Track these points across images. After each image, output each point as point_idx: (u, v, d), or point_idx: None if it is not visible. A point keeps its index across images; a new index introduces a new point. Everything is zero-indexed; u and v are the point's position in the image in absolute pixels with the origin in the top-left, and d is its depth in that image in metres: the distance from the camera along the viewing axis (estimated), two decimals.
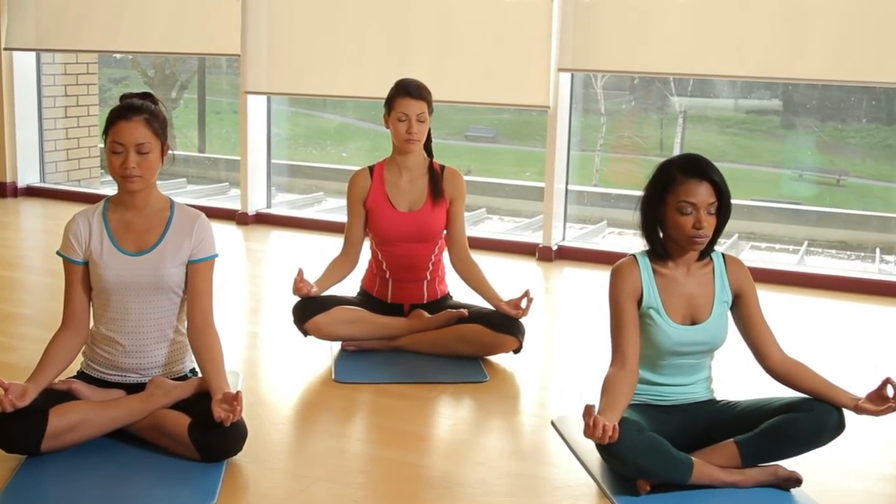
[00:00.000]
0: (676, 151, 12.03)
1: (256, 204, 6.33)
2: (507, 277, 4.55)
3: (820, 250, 7.58)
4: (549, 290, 4.96)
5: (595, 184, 11.55)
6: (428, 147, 3.71)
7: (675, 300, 2.65)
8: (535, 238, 6.17)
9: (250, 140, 6.21)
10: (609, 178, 11.03)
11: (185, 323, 2.82)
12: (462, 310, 3.61)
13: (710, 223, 2.57)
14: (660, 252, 2.66)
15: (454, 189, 3.69)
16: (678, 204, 2.56)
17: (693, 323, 2.67)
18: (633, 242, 8.16)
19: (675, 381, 2.71)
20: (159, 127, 2.70)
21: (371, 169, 3.71)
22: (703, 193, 2.55)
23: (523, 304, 3.57)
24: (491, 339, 3.54)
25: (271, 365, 3.63)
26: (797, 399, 2.60)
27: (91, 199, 6.82)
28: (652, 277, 2.66)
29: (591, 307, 4.54)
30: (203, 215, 2.82)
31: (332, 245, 5.68)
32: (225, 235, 5.77)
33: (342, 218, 6.61)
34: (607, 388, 2.54)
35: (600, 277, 5.29)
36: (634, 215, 2.70)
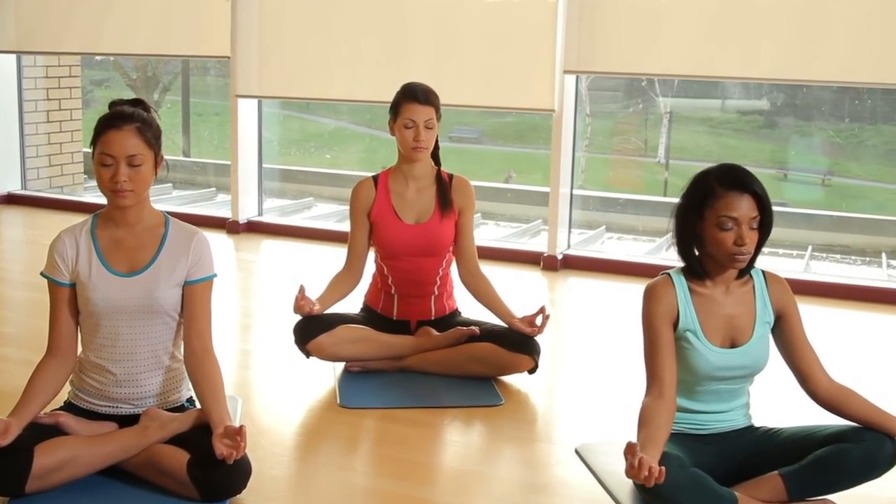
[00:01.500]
0: (661, 152, 11.94)
1: (247, 212, 6.10)
2: (512, 289, 4.33)
3: (824, 255, 7.42)
4: (557, 302, 4.76)
5: (581, 185, 11.48)
6: (435, 155, 3.51)
7: (713, 321, 2.46)
8: (532, 244, 5.99)
9: (241, 146, 5.98)
10: (594, 180, 10.93)
11: (182, 349, 2.60)
12: (473, 327, 3.41)
13: (752, 239, 2.38)
14: (697, 270, 2.47)
15: (463, 199, 3.49)
16: (718, 219, 2.37)
17: (733, 346, 2.48)
18: (633, 248, 8.03)
19: (713, 408, 2.52)
20: (152, 136, 2.48)
21: (375, 178, 3.51)
22: (744, 207, 2.36)
23: (538, 321, 3.37)
24: (505, 359, 3.34)
25: (270, 388, 3.41)
26: (847, 428, 2.41)
27: (75, 207, 6.61)
28: (688, 297, 2.46)
29: (602, 320, 4.35)
30: (200, 232, 2.61)
31: (327, 254, 5.52)
32: (215, 245, 5.49)
33: (336, 226, 6.52)
34: (645, 419, 2.34)
35: (608, 288, 5.23)
36: (669, 226, 2.51)
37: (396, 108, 3.40)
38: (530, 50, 5.04)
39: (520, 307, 3.47)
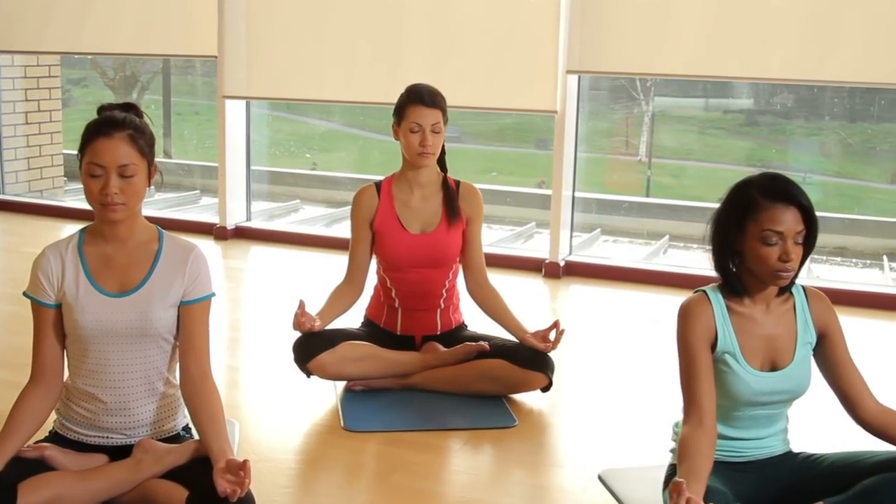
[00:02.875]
0: (643, 150, 11.83)
1: (235, 217, 5.89)
2: (514, 299, 4.13)
3: (824, 258, 7.29)
4: (562, 312, 4.59)
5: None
6: (442, 161, 3.33)
7: (753, 342, 2.29)
8: (532, 250, 5.81)
9: (228, 148, 5.76)
10: (580, 181, 10.78)
11: (177, 373, 2.40)
12: (482, 342, 3.22)
13: (797, 254, 2.21)
14: (736, 287, 2.29)
15: (471, 207, 3.31)
16: (761, 233, 2.19)
17: (773, 368, 2.30)
18: (630, 252, 7.87)
19: (751, 435, 2.35)
20: (145, 144, 2.28)
21: (378, 186, 3.31)
22: (790, 220, 2.18)
23: (551, 335, 3.19)
24: (517, 377, 3.16)
25: (265, 409, 3.20)
26: None
27: (55, 212, 6.38)
28: (726, 317, 2.28)
29: (612, 331, 4.18)
30: (197, 248, 2.40)
31: (319, 262, 5.33)
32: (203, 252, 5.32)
33: (328, 232, 6.33)
34: (686, 452, 2.16)
35: (613, 296, 5.04)
36: (705, 237, 2.33)
37: (401, 111, 3.21)
38: (531, 49, 4.86)
39: (525, 319, 3.29)
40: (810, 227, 2.22)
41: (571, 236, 5.26)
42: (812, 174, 11.61)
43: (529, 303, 4.51)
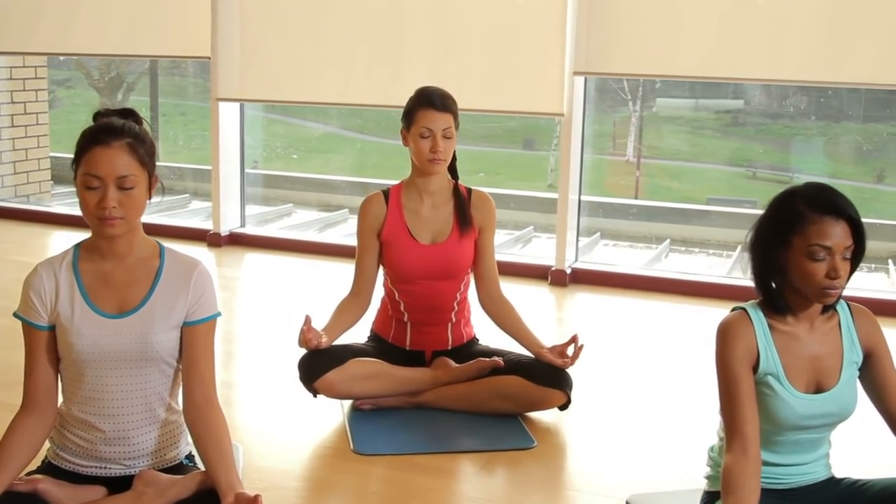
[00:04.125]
0: (630, 150, 11.74)
1: (229, 222, 5.71)
2: (521, 309, 3.98)
3: None
4: (570, 321, 4.44)
5: (550, 184, 11.27)
6: (453, 167, 3.17)
7: (797, 363, 2.14)
8: (531, 254, 5.68)
9: (222, 152, 5.58)
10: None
11: (180, 398, 2.24)
12: (497, 358, 3.07)
13: (845, 270, 2.06)
14: (779, 304, 2.14)
15: (484, 216, 3.16)
16: (809, 248, 2.04)
17: (818, 390, 2.16)
18: (629, 255, 7.74)
19: (793, 461, 2.21)
20: (146, 154, 2.12)
21: (386, 193, 3.15)
22: (838, 235, 2.04)
23: (570, 351, 3.04)
24: (534, 394, 3.01)
25: (265, 430, 3.02)
26: None
27: (42, 217, 6.19)
28: (769, 336, 2.14)
29: (627, 342, 4.03)
30: (201, 264, 2.24)
31: (316, 269, 5.16)
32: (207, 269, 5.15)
33: (325, 238, 6.17)
34: (732, 484, 2.02)
35: (623, 305, 4.86)
36: (744, 249, 2.18)
37: (410, 115, 3.06)
38: (537, 50, 4.71)
39: (537, 333, 3.14)
40: (859, 241, 2.08)
41: (578, 242, 5.11)
42: (800, 174, 11.59)
43: (536, 313, 4.35)
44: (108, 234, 2.09)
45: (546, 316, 4.49)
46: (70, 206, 6.55)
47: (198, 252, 5.38)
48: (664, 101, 12.31)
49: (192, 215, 7.54)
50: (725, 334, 2.15)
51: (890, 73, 4.28)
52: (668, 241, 7.57)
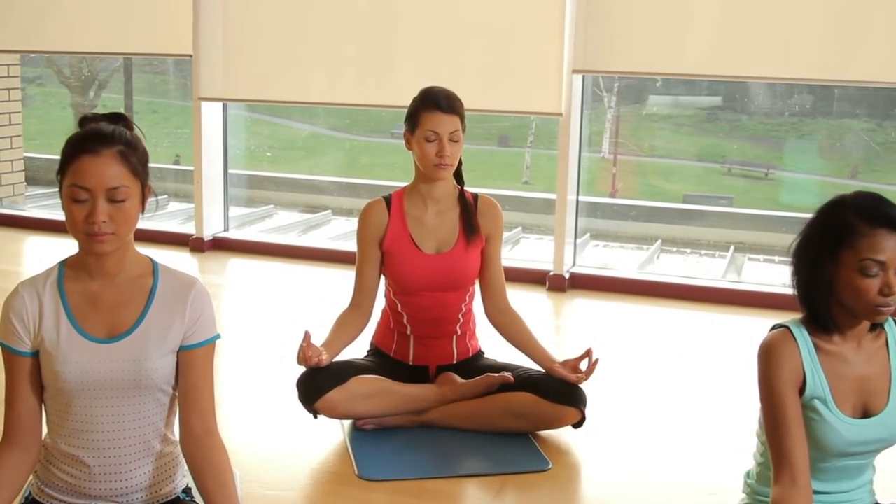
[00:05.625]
0: (606, 146, 11.63)
1: (212, 227, 5.51)
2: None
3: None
4: (571, 329, 4.28)
5: (525, 181, 11.17)
6: (458, 173, 3.00)
7: (844, 386, 1.99)
8: (525, 258, 5.53)
9: (205, 154, 5.38)
10: (539, 176, 10.66)
11: (176, 427, 2.06)
12: (506, 373, 2.91)
13: None
14: (826, 322, 1.99)
15: (491, 224, 2.99)
16: (860, 263, 1.89)
17: (865, 414, 2.01)
18: (623, 257, 7.61)
19: (838, 488, 2.06)
20: (138, 162, 1.93)
21: (388, 200, 2.98)
22: (893, 248, 1.89)
23: (583, 365, 2.88)
24: (547, 412, 2.84)
25: (265, 453, 2.83)
26: None
27: (15, 222, 5.96)
28: (815, 357, 1.99)
29: (634, 352, 3.86)
30: (199, 282, 2.06)
31: (304, 276, 4.98)
32: (178, 266, 4.94)
33: (312, 243, 5.97)
34: None
35: (624, 311, 4.69)
36: (790, 261, 2.03)
37: (414, 117, 2.89)
38: (534, 48, 4.54)
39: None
40: None
41: (576, 246, 4.96)
42: (774, 170, 11.57)
43: (534, 320, 4.17)
44: (98, 250, 1.90)
45: (545, 323, 4.33)
46: (44, 208, 6.33)
47: (180, 258, 5.20)
48: (642, 98, 12.25)
49: (171, 217, 7.32)
50: (769, 355, 1.99)
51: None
52: (659, 241, 7.44)
